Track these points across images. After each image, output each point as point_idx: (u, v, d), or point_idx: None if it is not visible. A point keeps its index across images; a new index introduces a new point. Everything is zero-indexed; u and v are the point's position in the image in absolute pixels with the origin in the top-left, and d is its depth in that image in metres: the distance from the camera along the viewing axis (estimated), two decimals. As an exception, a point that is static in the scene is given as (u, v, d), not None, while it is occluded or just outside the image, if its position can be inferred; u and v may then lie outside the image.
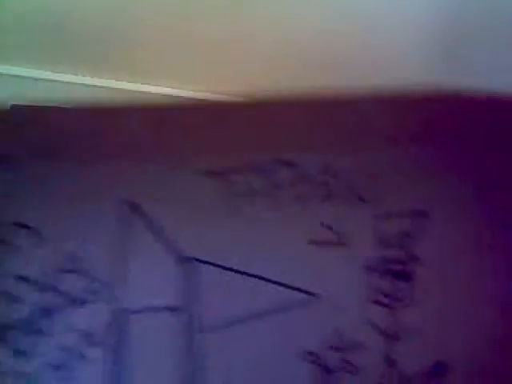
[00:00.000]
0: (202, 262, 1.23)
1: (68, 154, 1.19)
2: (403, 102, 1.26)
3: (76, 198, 1.20)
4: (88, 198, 1.20)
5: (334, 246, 1.28)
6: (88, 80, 1.31)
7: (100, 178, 1.21)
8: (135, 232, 1.22)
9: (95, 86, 1.31)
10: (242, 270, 1.24)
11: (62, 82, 1.29)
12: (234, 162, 1.27)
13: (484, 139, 1.28)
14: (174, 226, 1.23)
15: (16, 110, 1.18)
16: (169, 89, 1.33)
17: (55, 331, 1.16)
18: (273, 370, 1.22)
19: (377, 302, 1.28)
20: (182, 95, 1.33)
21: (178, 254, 1.23)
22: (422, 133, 1.29)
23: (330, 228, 1.28)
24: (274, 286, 1.25)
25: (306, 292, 1.26)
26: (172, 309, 1.21)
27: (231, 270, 1.24)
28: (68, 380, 1.15)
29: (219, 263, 1.24)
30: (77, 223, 1.20)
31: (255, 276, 1.24)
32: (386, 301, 1.28)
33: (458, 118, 1.27)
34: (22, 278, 1.16)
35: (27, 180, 1.19)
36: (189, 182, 1.25)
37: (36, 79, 1.28)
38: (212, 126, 1.22)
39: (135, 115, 1.23)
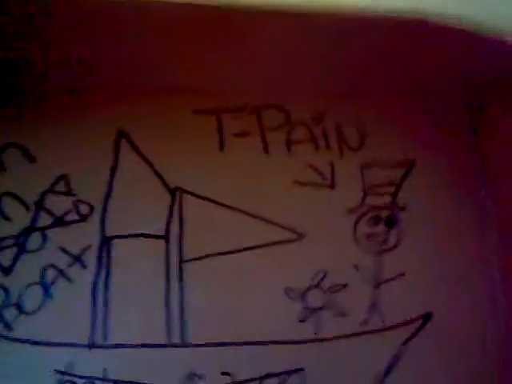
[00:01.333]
0: (188, 193, 1.25)
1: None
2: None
3: (69, 124, 1.24)
4: (81, 124, 1.24)
5: (320, 188, 1.30)
6: None
7: (92, 105, 1.25)
8: (124, 160, 1.25)
9: None
10: (227, 204, 1.26)
11: None
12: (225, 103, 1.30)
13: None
14: (162, 158, 1.26)
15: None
16: None
17: (41, 251, 1.18)
18: (255, 305, 1.21)
19: (361, 245, 1.28)
20: None
21: (165, 185, 1.25)
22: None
23: (316, 170, 1.30)
24: (258, 221, 1.26)
25: (290, 229, 1.27)
26: (156, 237, 1.22)
27: (216, 202, 1.25)
28: (51, 299, 1.17)
29: (206, 196, 1.26)
30: (69, 148, 1.23)
31: (240, 210, 1.26)
32: (371, 244, 1.29)
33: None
34: (12, 196, 1.19)
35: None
36: (178, 118, 1.28)
37: None
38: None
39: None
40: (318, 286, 1.26)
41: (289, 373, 1.20)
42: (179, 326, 1.19)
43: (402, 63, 1.21)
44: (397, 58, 1.20)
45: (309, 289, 1.25)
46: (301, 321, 1.23)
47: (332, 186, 1.30)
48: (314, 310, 1.24)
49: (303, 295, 1.25)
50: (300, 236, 1.27)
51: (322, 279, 1.26)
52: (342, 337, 1.23)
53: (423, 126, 1.33)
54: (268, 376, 1.19)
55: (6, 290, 1.15)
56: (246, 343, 1.19)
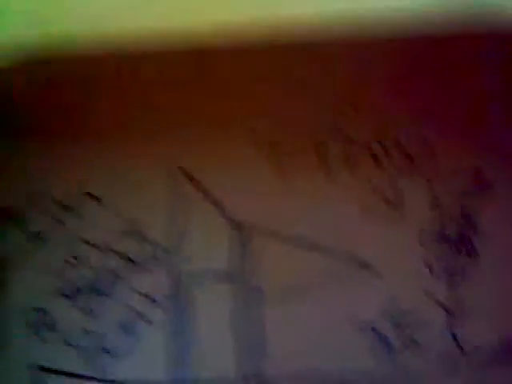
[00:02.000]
0: (254, 228, 1.26)
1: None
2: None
3: (133, 165, 1.27)
4: (144, 166, 1.27)
5: (387, 212, 1.26)
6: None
7: (153, 145, 1.27)
8: (188, 197, 1.27)
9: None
10: (293, 237, 1.26)
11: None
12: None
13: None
14: (226, 192, 1.27)
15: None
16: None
17: (118, 293, 1.25)
18: (329, 341, 1.23)
19: (434, 272, 1.24)
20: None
21: (232, 220, 1.27)
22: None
23: (382, 194, 1.26)
24: (327, 254, 1.25)
25: (361, 260, 1.25)
26: (226, 274, 1.25)
27: (282, 236, 1.25)
28: (132, 340, 1.24)
29: (272, 230, 1.26)
30: (134, 190, 1.27)
31: (306, 241, 1.25)
32: (444, 270, 1.24)
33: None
34: (88, 243, 1.26)
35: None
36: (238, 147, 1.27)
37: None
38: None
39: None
40: (388, 315, 1.24)
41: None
42: (257, 361, 1.23)
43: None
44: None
45: (382, 320, 1.24)
46: (372, 351, 1.23)
47: (399, 207, 1.25)
48: (389, 342, 1.24)
49: (373, 325, 1.24)
50: (368, 265, 1.25)
51: (393, 308, 1.24)
52: (418, 368, 1.22)
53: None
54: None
55: (93, 334, 1.24)
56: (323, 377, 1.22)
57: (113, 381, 1.22)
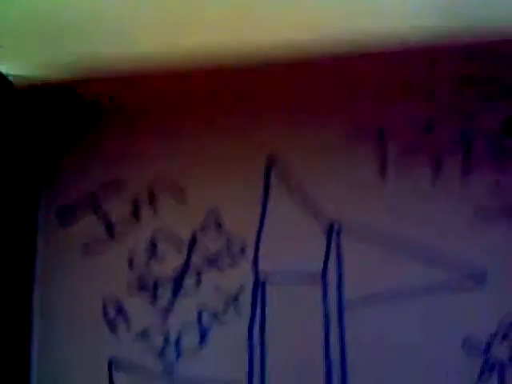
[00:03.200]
0: (346, 227, 1.11)
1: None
2: None
3: (221, 157, 1.16)
4: (231, 157, 1.15)
5: (505, 217, 1.06)
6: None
7: (243, 135, 1.15)
8: (276, 191, 1.15)
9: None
10: (393, 241, 1.10)
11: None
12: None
13: None
14: (316, 188, 1.13)
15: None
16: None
17: (196, 291, 1.15)
18: (425, 360, 1.06)
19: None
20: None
21: (322, 219, 1.12)
22: None
23: (500, 196, 1.06)
24: (430, 260, 1.08)
25: (469, 269, 1.07)
26: (313, 278, 1.12)
27: (380, 239, 1.10)
28: (204, 341, 1.14)
29: (367, 232, 1.10)
30: (219, 182, 1.16)
31: (408, 247, 1.09)
32: None
33: None
34: (166, 236, 1.17)
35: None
36: (338, 143, 1.13)
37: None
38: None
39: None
40: (504, 336, 1.05)
41: None
42: (340, 379, 1.09)
43: None
44: None
45: (493, 340, 1.05)
46: (482, 379, 1.05)
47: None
48: (501, 366, 1.05)
49: (486, 348, 1.05)
50: (481, 277, 1.06)
51: (510, 328, 1.05)
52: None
53: None
54: None
55: (166, 331, 1.15)
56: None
57: (182, 378, 1.12)
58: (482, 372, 1.05)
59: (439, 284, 1.07)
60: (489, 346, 1.05)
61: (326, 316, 1.10)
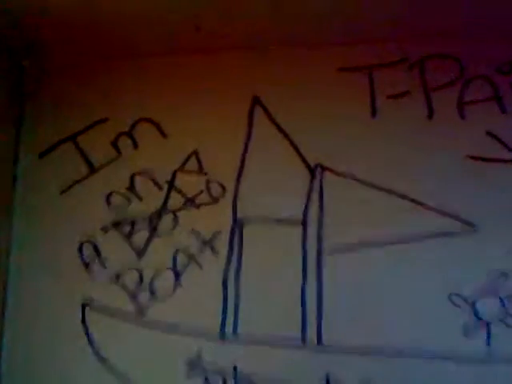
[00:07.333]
0: (330, 170, 1.05)
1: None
2: None
3: (199, 94, 1.11)
4: (213, 89, 1.11)
5: (503, 165, 0.99)
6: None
7: (228, 70, 1.10)
8: (259, 132, 1.09)
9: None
10: (379, 184, 1.03)
11: None
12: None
13: None
14: (301, 128, 1.07)
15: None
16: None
17: (172, 232, 1.11)
18: (406, 310, 1.00)
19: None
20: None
21: (304, 160, 1.07)
22: None
23: (500, 141, 0.99)
24: (416, 207, 1.01)
25: (458, 218, 1.00)
26: (292, 222, 1.06)
27: (364, 182, 1.04)
28: (181, 279, 1.10)
29: (352, 174, 1.04)
30: (201, 119, 1.11)
31: (394, 193, 1.02)
32: None
33: None
34: (144, 174, 1.13)
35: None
36: (320, 78, 1.07)
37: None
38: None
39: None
40: (493, 291, 0.98)
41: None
42: (315, 325, 1.03)
43: None
44: None
45: (481, 294, 0.98)
46: (467, 334, 0.98)
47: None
48: (487, 323, 0.98)
49: (473, 302, 0.98)
50: (471, 226, 0.99)
51: (499, 283, 0.98)
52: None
53: None
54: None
55: (139, 273, 1.11)
56: (392, 353, 0.99)
57: (155, 321, 1.08)
58: (468, 324, 0.98)
59: (426, 230, 1.00)
60: (476, 298, 0.98)
61: (304, 260, 1.04)
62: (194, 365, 1.08)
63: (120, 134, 1.15)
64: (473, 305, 0.98)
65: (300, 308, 1.04)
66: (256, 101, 1.10)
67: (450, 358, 0.97)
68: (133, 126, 1.14)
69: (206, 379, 1.06)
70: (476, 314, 0.98)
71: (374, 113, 1.05)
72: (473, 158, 1.00)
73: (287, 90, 1.07)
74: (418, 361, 0.98)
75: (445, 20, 0.98)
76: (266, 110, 1.09)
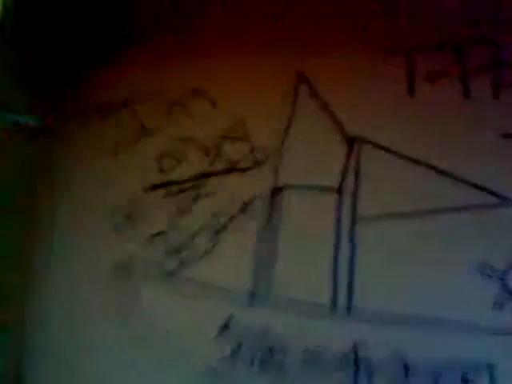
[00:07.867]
0: (368, 143, 1.10)
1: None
2: None
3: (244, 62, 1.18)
4: (262, 71, 1.17)
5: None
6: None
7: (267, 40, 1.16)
8: (302, 107, 1.15)
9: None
10: (415, 158, 1.07)
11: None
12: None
13: None
14: (343, 104, 1.12)
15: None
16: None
17: (214, 195, 1.15)
18: (436, 279, 1.01)
19: None
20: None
21: (343, 133, 1.11)
22: None
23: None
24: (452, 180, 1.05)
25: (492, 192, 1.02)
26: (329, 190, 1.10)
27: (401, 156, 1.07)
28: (219, 245, 1.13)
29: (389, 148, 1.08)
30: (248, 94, 1.17)
31: (430, 167, 1.06)
32: None
33: None
34: (193, 139, 1.18)
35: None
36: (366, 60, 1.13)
37: None
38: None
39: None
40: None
41: (475, 367, 0.97)
42: (346, 292, 1.05)
43: None
44: None
45: (511, 266, 1.00)
46: (496, 306, 0.99)
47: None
48: (512, 293, 0.99)
49: (504, 274, 1.00)
50: (505, 200, 1.02)
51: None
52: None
53: None
54: (446, 367, 0.98)
55: (180, 232, 1.15)
56: (423, 323, 1.00)
57: (190, 279, 1.11)
58: (497, 298, 0.99)
59: (462, 204, 1.03)
60: (506, 271, 0.99)
61: (338, 226, 1.07)
62: (225, 328, 1.09)
63: (171, 103, 1.21)
64: (503, 277, 1.00)
65: (331, 274, 1.06)
66: (301, 77, 1.16)
67: (479, 329, 0.98)
68: (184, 95, 1.21)
69: (238, 343, 1.07)
70: (506, 286, 0.99)
71: (412, 91, 1.10)
72: (508, 136, 1.04)
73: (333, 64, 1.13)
74: (449, 332, 0.99)
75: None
76: (311, 87, 1.15)
